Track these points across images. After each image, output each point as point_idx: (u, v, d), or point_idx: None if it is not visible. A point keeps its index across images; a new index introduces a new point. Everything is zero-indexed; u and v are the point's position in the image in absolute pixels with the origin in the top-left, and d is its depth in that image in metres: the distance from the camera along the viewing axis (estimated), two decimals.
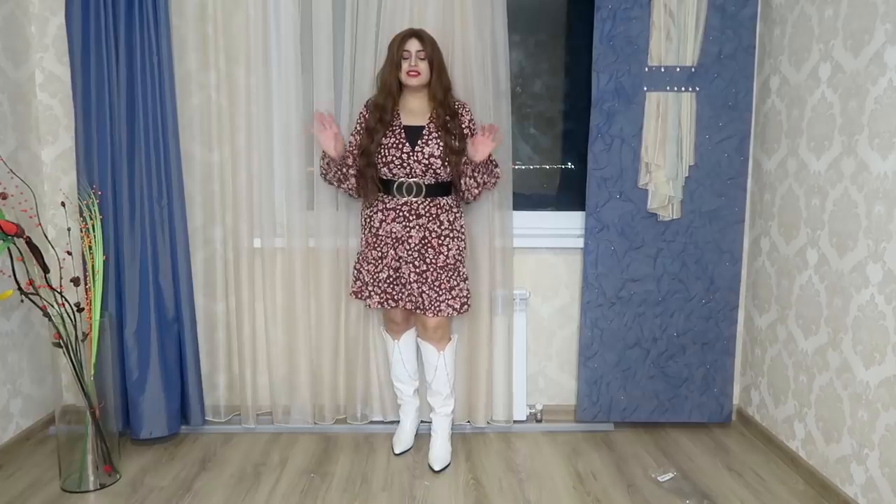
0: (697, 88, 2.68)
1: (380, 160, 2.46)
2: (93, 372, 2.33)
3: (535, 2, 2.98)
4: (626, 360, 2.83)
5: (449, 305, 2.51)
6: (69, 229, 2.51)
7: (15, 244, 2.21)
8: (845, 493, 2.21)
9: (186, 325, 2.68)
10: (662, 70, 2.66)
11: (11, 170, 2.43)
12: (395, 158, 2.43)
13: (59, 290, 2.27)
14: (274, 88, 2.68)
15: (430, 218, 2.48)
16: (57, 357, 2.35)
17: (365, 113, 2.55)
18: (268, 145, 2.70)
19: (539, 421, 2.93)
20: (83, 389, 2.31)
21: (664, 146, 2.69)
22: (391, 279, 2.53)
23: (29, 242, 2.24)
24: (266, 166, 2.70)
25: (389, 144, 2.45)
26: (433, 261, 2.48)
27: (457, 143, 2.45)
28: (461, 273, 2.55)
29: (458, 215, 2.56)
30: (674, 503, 2.28)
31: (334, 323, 2.79)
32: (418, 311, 2.53)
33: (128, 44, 2.51)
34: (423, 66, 2.44)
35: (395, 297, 2.54)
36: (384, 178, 2.49)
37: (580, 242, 2.82)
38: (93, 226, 2.40)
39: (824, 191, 2.32)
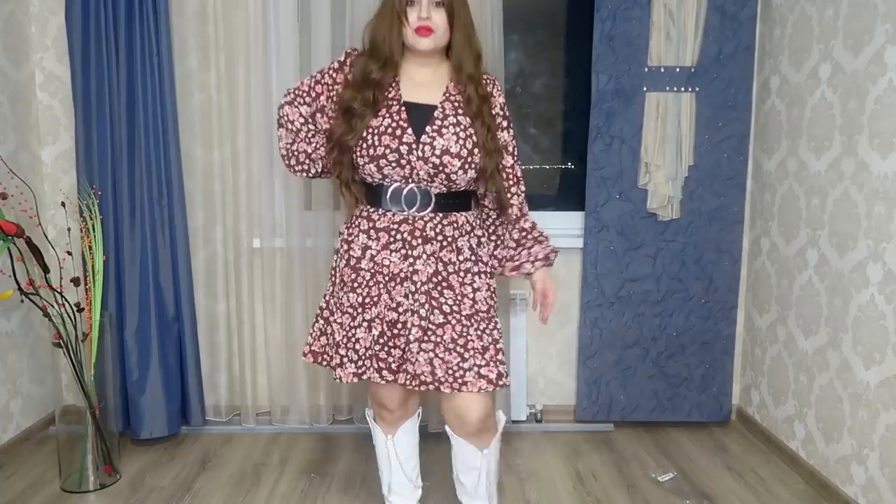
0: (697, 88, 2.68)
1: (364, 152, 1.69)
2: (93, 372, 2.33)
3: (535, 2, 2.98)
4: (626, 360, 2.83)
5: (481, 376, 1.70)
6: (69, 229, 2.51)
7: (15, 244, 2.21)
8: (845, 494, 2.21)
9: (187, 325, 2.68)
10: (662, 70, 2.66)
11: (11, 170, 2.43)
12: (389, 151, 1.66)
13: (59, 290, 2.27)
14: (274, 88, 2.68)
15: (445, 243, 1.74)
16: (57, 357, 2.34)
17: (335, 75, 1.80)
18: (268, 145, 2.69)
19: (539, 421, 2.93)
20: (83, 389, 2.31)
21: (664, 146, 2.69)
22: (385, 339, 1.76)
23: (29, 242, 2.24)
24: (266, 166, 2.70)
25: (382, 129, 1.68)
26: (455, 308, 1.72)
27: (490, 140, 1.74)
28: (496, 324, 1.78)
29: (482, 239, 1.84)
30: (674, 503, 2.28)
31: None
32: (433, 387, 1.72)
33: (128, 44, 2.50)
34: (439, 19, 1.68)
35: (392, 366, 1.77)
36: (370, 180, 1.75)
37: (580, 242, 2.82)
38: (93, 226, 2.40)
39: (824, 191, 2.32)
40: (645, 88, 2.67)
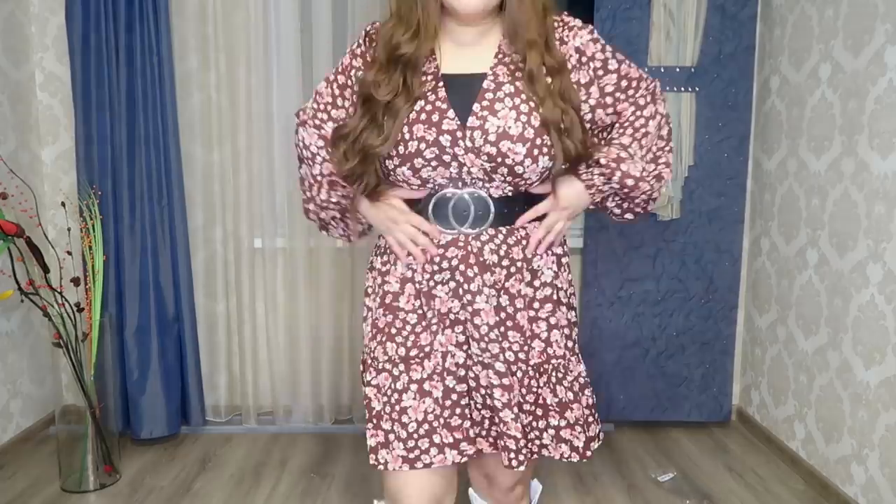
0: (697, 89, 2.68)
1: (394, 150, 1.23)
2: (93, 372, 2.33)
3: None
4: (626, 360, 2.83)
5: (565, 442, 1.33)
6: (69, 229, 2.50)
7: (15, 244, 2.21)
8: (845, 494, 2.21)
9: (186, 325, 2.68)
10: (662, 70, 2.66)
11: (11, 170, 2.43)
12: (426, 146, 1.21)
13: (59, 290, 2.27)
14: (274, 88, 2.68)
15: (514, 269, 1.28)
16: (57, 357, 2.34)
17: (356, 62, 1.32)
18: (268, 145, 2.70)
19: None
20: (83, 389, 2.31)
21: None
22: (452, 400, 1.29)
23: (29, 242, 2.24)
24: (266, 166, 2.70)
25: (414, 115, 1.22)
26: (521, 356, 1.29)
27: (566, 122, 1.22)
28: (580, 371, 1.36)
29: (563, 259, 1.36)
30: (674, 503, 2.28)
31: (334, 322, 2.78)
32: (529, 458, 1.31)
33: (128, 44, 2.50)
34: None
35: (470, 432, 1.31)
36: (405, 188, 1.30)
37: (580, 242, 2.82)
38: (93, 226, 2.40)
39: (824, 191, 2.32)
40: None
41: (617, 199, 1.36)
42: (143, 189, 2.57)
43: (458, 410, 1.29)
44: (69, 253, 2.44)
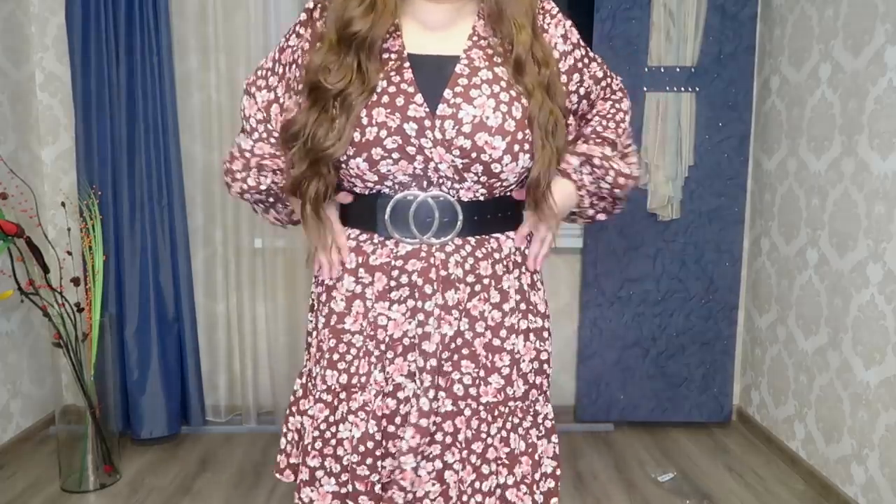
0: (697, 89, 2.68)
1: (351, 145, 1.05)
2: (93, 372, 2.33)
3: None
4: (626, 360, 2.83)
5: (506, 502, 1.12)
6: (69, 229, 2.50)
7: (15, 244, 2.21)
8: (845, 494, 2.21)
9: (186, 325, 2.68)
10: (662, 70, 2.66)
11: (11, 170, 2.43)
12: (387, 134, 1.03)
13: (59, 290, 2.27)
14: None
15: (479, 288, 1.09)
16: (57, 357, 2.34)
17: (304, 31, 1.24)
18: None
19: None
20: (83, 389, 2.31)
21: (664, 146, 2.69)
22: (371, 445, 1.09)
23: (29, 242, 2.24)
24: None
25: (375, 98, 1.04)
26: (472, 392, 1.09)
27: (551, 122, 1.06)
28: (537, 416, 1.16)
29: (535, 276, 1.18)
30: (674, 503, 2.28)
31: None
32: None
33: (128, 44, 2.50)
34: None
35: (376, 488, 1.10)
36: (358, 186, 1.10)
37: (580, 242, 2.82)
38: (93, 226, 2.40)
39: (824, 191, 2.32)
40: (645, 88, 2.67)
41: (594, 198, 1.21)
42: (143, 189, 2.57)
43: (368, 461, 1.08)
44: (69, 253, 2.44)
